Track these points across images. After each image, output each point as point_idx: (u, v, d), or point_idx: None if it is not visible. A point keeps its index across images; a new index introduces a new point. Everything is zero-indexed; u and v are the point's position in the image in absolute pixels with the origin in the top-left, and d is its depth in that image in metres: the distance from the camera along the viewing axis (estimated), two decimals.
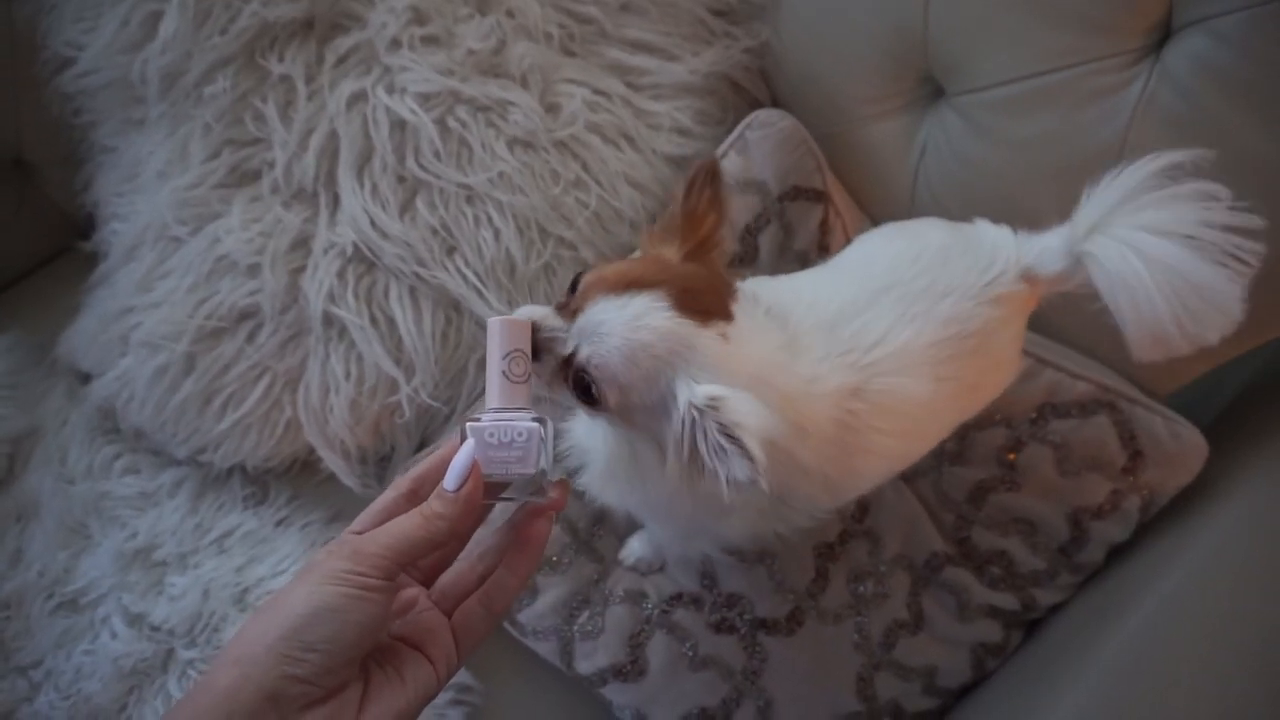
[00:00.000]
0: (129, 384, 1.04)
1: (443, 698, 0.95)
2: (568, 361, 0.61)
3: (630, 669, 0.95)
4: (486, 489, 0.56)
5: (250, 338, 1.01)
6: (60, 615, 1.00)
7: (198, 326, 0.99)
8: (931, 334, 0.72)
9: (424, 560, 0.59)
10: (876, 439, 0.70)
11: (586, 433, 0.78)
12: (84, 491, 1.07)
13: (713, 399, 0.56)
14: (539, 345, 0.61)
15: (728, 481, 0.55)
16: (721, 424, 0.55)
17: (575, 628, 0.96)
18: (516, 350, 0.57)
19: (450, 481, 0.54)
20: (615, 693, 0.96)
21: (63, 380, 1.15)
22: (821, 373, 0.67)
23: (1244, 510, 0.89)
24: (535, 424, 0.56)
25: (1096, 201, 0.72)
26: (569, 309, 0.62)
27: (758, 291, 0.68)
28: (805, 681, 0.95)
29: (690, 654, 0.95)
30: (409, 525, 0.54)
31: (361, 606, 0.51)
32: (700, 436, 0.57)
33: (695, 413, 0.57)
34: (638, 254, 0.68)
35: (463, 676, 0.97)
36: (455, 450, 0.56)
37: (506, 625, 0.98)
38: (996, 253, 0.76)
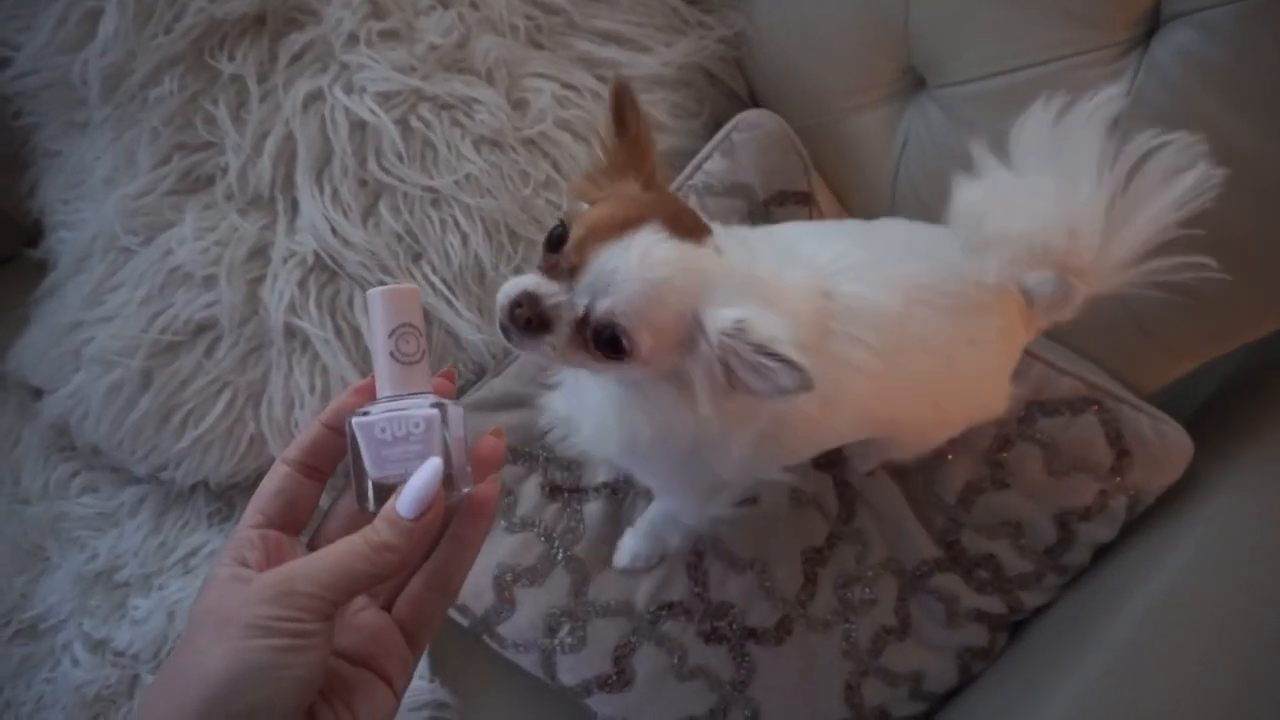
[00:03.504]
0: (83, 401, 0.99)
1: (417, 717, 0.93)
2: (583, 322, 0.58)
3: (615, 680, 0.93)
4: (385, 491, 0.47)
5: (209, 351, 0.96)
6: (18, 643, 0.96)
7: (153, 341, 0.95)
8: (907, 272, 0.72)
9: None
10: (853, 351, 0.69)
11: (569, 400, 0.76)
12: (40, 512, 1.03)
13: (739, 322, 0.56)
14: (546, 315, 0.58)
15: (778, 391, 0.55)
16: (755, 344, 0.55)
17: (556, 642, 0.94)
18: (404, 325, 0.47)
19: (407, 507, 0.45)
20: (600, 703, 0.95)
21: (13, 396, 1.10)
22: (787, 274, 0.66)
23: (1227, 508, 0.89)
24: (434, 410, 0.47)
25: None
26: (562, 268, 0.59)
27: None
28: (793, 691, 0.94)
29: (678, 664, 0.93)
30: (351, 558, 0.44)
31: (298, 658, 0.42)
32: (735, 359, 0.56)
33: (726, 338, 0.56)
34: (585, 208, 0.64)
35: (439, 693, 0.95)
36: (343, 406, 0.49)
37: (486, 637, 0.95)
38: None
